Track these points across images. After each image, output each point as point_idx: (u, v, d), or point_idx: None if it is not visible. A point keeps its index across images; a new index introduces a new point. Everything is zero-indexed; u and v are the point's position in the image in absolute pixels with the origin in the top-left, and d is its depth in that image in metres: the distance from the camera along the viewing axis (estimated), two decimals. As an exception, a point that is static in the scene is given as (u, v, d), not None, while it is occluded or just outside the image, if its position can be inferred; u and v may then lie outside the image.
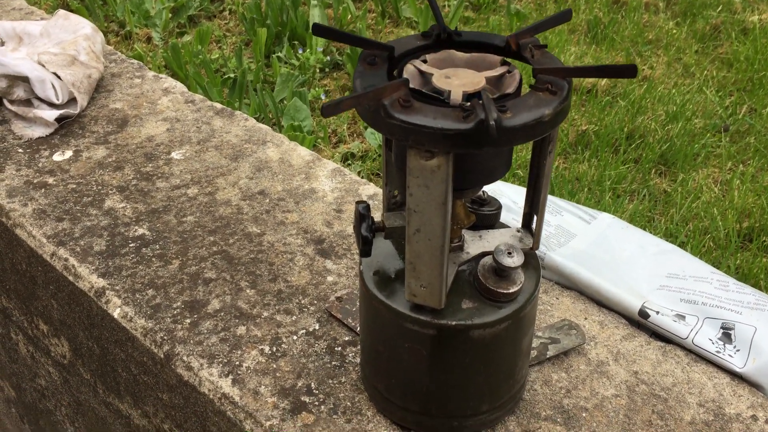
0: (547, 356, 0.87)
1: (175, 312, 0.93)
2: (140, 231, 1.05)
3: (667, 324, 0.90)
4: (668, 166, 1.57)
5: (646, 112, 1.69)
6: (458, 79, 0.66)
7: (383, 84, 0.62)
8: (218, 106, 1.31)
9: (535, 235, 0.76)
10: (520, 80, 0.66)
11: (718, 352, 0.87)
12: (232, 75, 1.67)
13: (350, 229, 1.06)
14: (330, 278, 0.98)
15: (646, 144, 1.59)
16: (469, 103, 0.62)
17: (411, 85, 0.65)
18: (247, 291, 0.96)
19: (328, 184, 1.14)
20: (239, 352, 0.88)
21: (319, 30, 0.68)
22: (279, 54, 1.93)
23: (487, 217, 0.78)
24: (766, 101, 1.75)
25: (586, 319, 0.93)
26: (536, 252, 0.83)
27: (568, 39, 2.01)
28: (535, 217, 0.75)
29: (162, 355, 0.90)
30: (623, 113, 1.70)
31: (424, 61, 0.69)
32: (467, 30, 0.68)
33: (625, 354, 0.89)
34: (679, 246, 1.39)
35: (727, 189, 1.52)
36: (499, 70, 0.68)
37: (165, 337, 0.90)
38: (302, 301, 0.95)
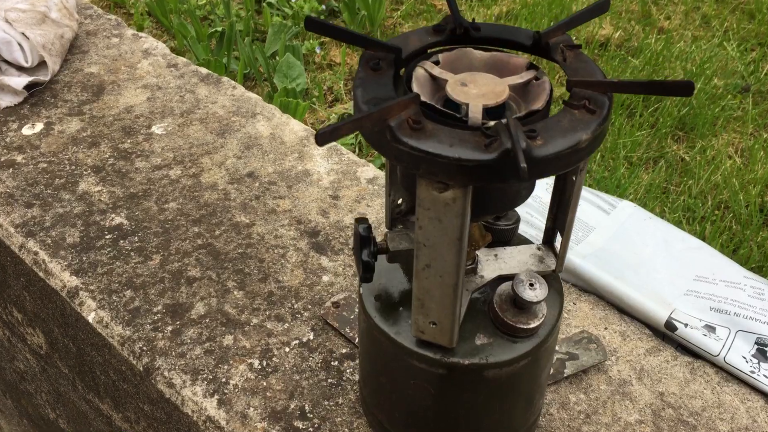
0: (565, 375, 0.79)
1: (156, 317, 0.85)
2: (117, 220, 0.96)
3: (697, 339, 0.81)
4: (686, 131, 1.47)
5: (663, 71, 1.58)
6: (477, 87, 0.56)
7: (389, 101, 0.52)
8: (203, 71, 1.20)
9: (560, 258, 0.66)
10: (550, 91, 0.56)
11: (752, 372, 0.79)
12: (219, 27, 1.55)
13: (347, 220, 0.96)
14: (325, 278, 0.89)
15: (663, 107, 1.49)
16: (491, 123, 0.52)
17: (422, 97, 0.55)
18: (235, 293, 0.88)
19: (323, 165, 1.04)
20: (226, 366, 0.80)
21: (312, 24, 0.57)
22: (270, 1, 1.80)
23: (504, 233, 0.69)
24: (791, 59, 1.64)
25: (606, 329, 0.85)
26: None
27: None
28: (559, 237, 0.66)
29: (141, 368, 0.81)
30: (639, 71, 1.59)
31: (437, 63, 0.59)
32: (486, 23, 0.57)
33: (649, 371, 0.81)
34: (698, 222, 1.30)
35: (749, 157, 1.43)
36: (525, 76, 0.57)
37: (144, 348, 0.82)
38: (295, 306, 0.86)
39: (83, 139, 1.08)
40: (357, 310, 0.85)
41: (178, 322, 0.84)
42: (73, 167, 1.03)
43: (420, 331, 0.62)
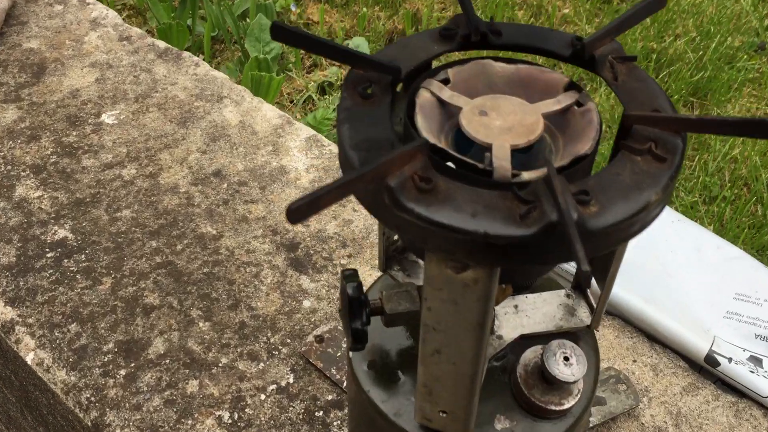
0: (591, 425, 0.67)
1: (106, 358, 0.72)
2: (61, 233, 0.82)
3: (742, 376, 0.70)
4: (700, 97, 1.33)
5: (674, 28, 1.43)
6: (500, 116, 0.42)
7: (386, 152, 0.38)
8: (161, 45, 1.04)
9: (597, 313, 0.54)
10: (600, 125, 0.42)
11: (808, 417, 0.68)
12: (182, -15, 1.38)
13: (331, 228, 0.83)
14: (307, 303, 0.76)
15: (676, 72, 1.35)
16: (525, 177, 0.38)
17: (430, 135, 0.41)
18: (200, 324, 0.75)
19: (302, 160, 0.90)
20: (190, 421, 0.68)
21: (278, 33, 0.43)
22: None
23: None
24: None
25: (635, 362, 0.73)
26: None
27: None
28: (600, 291, 0.53)
29: (89, 423, 0.69)
30: (647, 29, 1.44)
31: (446, 81, 0.45)
32: (509, 23, 0.41)
33: (687, 415, 0.69)
34: (716, 203, 1.18)
35: (769, 127, 1.30)
36: (564, 100, 0.44)
37: (93, 398, 0.69)
38: (272, 340, 0.73)
39: (21, 132, 0.93)
40: (345, 345, 0.72)
41: (132, 364, 0.71)
42: (9, 167, 0.89)
43: (426, 419, 0.49)
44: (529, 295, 0.56)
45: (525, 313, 0.55)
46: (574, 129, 0.43)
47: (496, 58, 0.46)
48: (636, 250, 0.80)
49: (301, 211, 0.35)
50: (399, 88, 0.47)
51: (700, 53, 1.41)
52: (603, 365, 0.72)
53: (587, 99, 0.44)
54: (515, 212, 0.37)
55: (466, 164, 0.40)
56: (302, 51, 1.46)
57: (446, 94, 0.44)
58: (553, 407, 0.50)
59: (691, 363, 0.73)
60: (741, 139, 1.30)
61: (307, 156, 0.91)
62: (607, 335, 0.75)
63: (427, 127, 0.42)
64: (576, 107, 0.44)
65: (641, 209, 0.38)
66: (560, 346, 0.49)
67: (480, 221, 0.37)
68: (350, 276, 0.50)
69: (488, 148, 0.41)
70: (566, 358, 0.49)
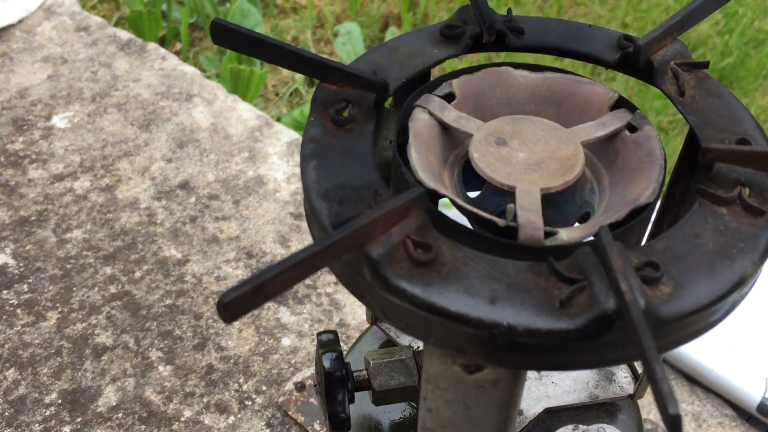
0: (623, 492, 0.56)
1: (48, 412, 0.61)
2: (1, 258, 0.70)
3: (803, 430, 0.59)
4: (726, 85, 1.22)
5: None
6: (524, 146, 0.31)
7: (367, 215, 0.26)
8: (123, 35, 0.92)
9: (642, 380, 0.42)
10: (664, 157, 0.31)
11: None
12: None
13: (315, 250, 0.71)
14: (286, 341, 0.65)
15: (701, 58, 1.23)
16: (563, 238, 0.27)
17: (427, 178, 0.29)
18: (161, 369, 0.63)
19: (282, 169, 0.78)
20: (146, 490, 0.57)
21: (219, 35, 0.31)
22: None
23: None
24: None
25: (673, 410, 0.62)
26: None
27: None
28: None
29: (27, 493, 0.58)
30: (667, 12, 1.32)
31: (450, 98, 0.33)
32: (532, 17, 0.29)
33: (737, 477, 0.58)
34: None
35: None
36: (611, 124, 0.32)
37: (31, 463, 0.58)
38: (244, 387, 0.62)
39: (-40, 138, 0.81)
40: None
41: (79, 419, 0.60)
42: (-55, 180, 0.77)
43: None
44: (555, 356, 0.45)
45: (551, 380, 0.44)
46: (626, 164, 0.32)
47: (517, 65, 0.35)
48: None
49: (239, 303, 0.24)
50: (388, 103, 0.36)
51: (726, 37, 1.29)
52: (635, 416, 0.61)
53: (643, 122, 0.32)
54: (553, 296, 0.25)
55: (481, 219, 0.28)
56: (288, 37, 1.34)
57: (450, 115, 0.32)
58: None
59: (739, 411, 0.62)
60: (769, 131, 1.18)
61: (288, 164, 0.79)
62: (638, 377, 0.64)
63: (424, 164, 0.30)
64: (628, 132, 0.32)
65: (733, 287, 0.26)
66: (598, 430, 0.38)
67: (502, 309, 0.25)
68: (328, 343, 0.39)
69: (510, 193, 0.29)
70: (607, 451, 0.38)
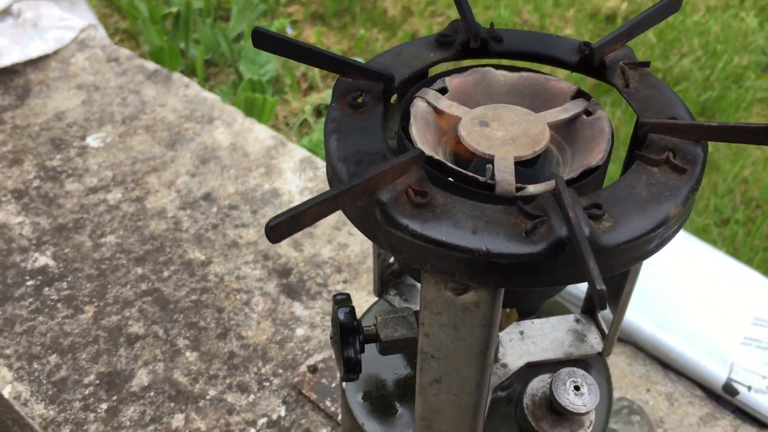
0: (602, 459, 0.63)
1: (87, 391, 0.68)
2: (42, 260, 0.78)
3: (763, 405, 0.66)
4: (708, 117, 1.30)
5: (680, 47, 1.40)
6: (503, 127, 0.39)
7: (378, 164, 0.34)
8: (150, 66, 1.01)
9: (609, 339, 0.50)
10: (612, 135, 0.39)
11: (834, 449, 0.63)
12: (175, 8, 1.35)
13: (326, 253, 0.79)
14: (300, 331, 0.72)
15: (683, 91, 1.32)
16: (531, 190, 0.35)
17: (425, 147, 0.37)
18: (187, 354, 0.71)
19: (295, 182, 0.87)
20: (175, 457, 0.63)
21: (260, 40, 0.39)
22: (234, -26, 1.60)
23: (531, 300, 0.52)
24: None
25: (648, 391, 0.69)
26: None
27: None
28: (611, 316, 0.49)
29: (69, 461, 0.65)
30: (652, 48, 1.42)
31: (443, 91, 0.41)
32: (511, 29, 0.37)
33: (704, 448, 0.65)
34: (729, 226, 1.14)
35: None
36: (572, 109, 0.40)
37: (72, 434, 0.65)
38: (262, 370, 0.69)
39: (3, 156, 0.89)
40: (339, 375, 0.68)
41: (114, 398, 0.67)
42: (-9, 192, 0.85)
43: (426, 457, 0.45)
44: (536, 321, 0.52)
45: (531, 340, 0.51)
46: (583, 139, 0.39)
47: (498, 66, 0.43)
48: (647, 272, 0.76)
49: (280, 227, 0.32)
50: (393, 99, 0.44)
51: (707, 72, 1.38)
52: (615, 395, 0.68)
53: (597, 107, 0.40)
54: (520, 228, 0.33)
55: (466, 177, 0.36)
56: (298, 73, 1.43)
57: (443, 103, 0.41)
58: (563, 442, 0.46)
59: (708, 392, 0.69)
60: (752, 159, 1.26)
61: (300, 178, 0.87)
62: (618, 363, 0.71)
63: (422, 138, 0.38)
64: (585, 116, 0.40)
65: (660, 224, 0.34)
66: (570, 374, 0.46)
67: (481, 238, 0.33)
68: (342, 301, 0.47)
69: (490, 160, 0.37)
70: (577, 388, 0.45)
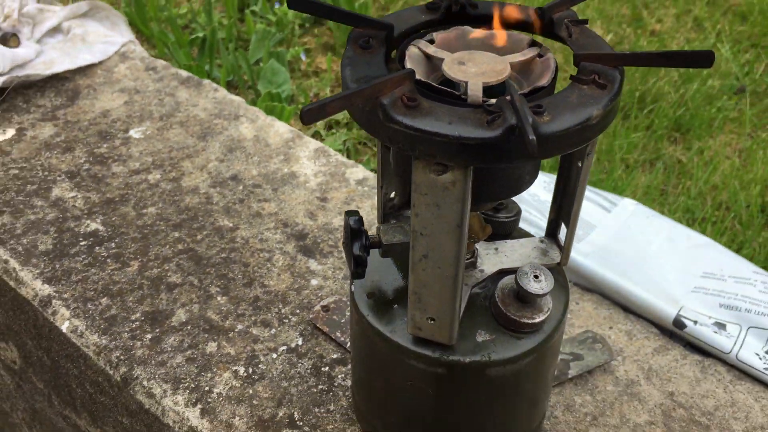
0: (569, 376, 0.75)
1: (134, 325, 0.80)
2: (93, 226, 0.91)
3: (707, 336, 0.78)
4: (683, 132, 1.44)
5: (658, 72, 1.55)
6: (475, 65, 0.52)
7: (381, 78, 0.47)
8: (183, 74, 1.16)
9: (564, 250, 0.62)
10: (556, 68, 0.52)
11: (766, 369, 0.75)
12: (201, 33, 1.50)
13: (336, 222, 0.92)
14: (314, 282, 0.85)
15: (659, 109, 1.46)
16: (493, 101, 0.48)
17: (417, 76, 0.51)
18: (218, 298, 0.83)
19: (310, 167, 1.00)
20: (209, 374, 0.75)
21: (296, 1, 0.53)
22: (254, 8, 1.76)
23: (504, 225, 0.65)
24: (785, 58, 1.62)
25: (611, 328, 0.81)
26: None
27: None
28: (564, 228, 0.62)
29: (119, 378, 0.76)
30: (632, 73, 1.56)
31: (431, 42, 0.55)
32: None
33: (658, 371, 0.77)
34: (698, 224, 1.27)
35: (747, 158, 1.40)
36: (528, 53, 0.54)
37: (122, 357, 0.77)
38: (282, 311, 0.82)
39: (57, 145, 1.03)
40: (348, 314, 0.80)
41: (157, 330, 0.79)
42: (46, 173, 0.99)
43: (417, 328, 0.57)
44: (508, 241, 0.65)
45: (504, 254, 0.64)
46: (536, 73, 0.53)
47: (473, 26, 0.56)
48: (614, 239, 0.89)
49: (312, 112, 0.45)
50: (393, 54, 0.57)
51: (682, 91, 1.52)
52: (581, 329, 0.80)
53: (547, 51, 0.53)
54: (483, 120, 0.46)
55: (446, 92, 0.49)
56: (311, 93, 1.58)
57: (431, 49, 0.54)
58: (526, 320, 0.58)
59: (662, 331, 0.81)
60: (721, 168, 1.39)
61: (315, 164, 1.00)
62: (586, 307, 0.83)
63: (414, 69, 0.52)
64: (538, 58, 0.53)
65: (585, 120, 0.47)
66: (531, 267, 0.58)
67: (455, 127, 0.46)
68: (352, 212, 0.59)
69: (464, 84, 0.50)
70: (536, 276, 0.57)
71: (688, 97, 1.52)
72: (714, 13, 1.77)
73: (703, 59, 0.46)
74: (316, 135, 1.48)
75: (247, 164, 1.00)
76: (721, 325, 0.79)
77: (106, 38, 1.20)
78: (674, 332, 0.80)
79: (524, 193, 0.92)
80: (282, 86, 1.47)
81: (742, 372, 0.77)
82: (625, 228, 0.90)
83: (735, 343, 0.76)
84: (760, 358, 0.75)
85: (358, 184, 0.97)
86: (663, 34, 1.72)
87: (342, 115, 1.53)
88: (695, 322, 0.78)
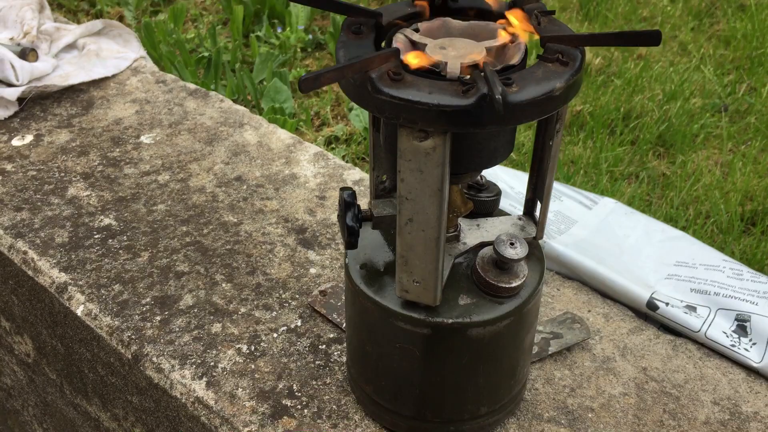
0: (549, 352, 0.80)
1: (144, 309, 0.86)
2: (106, 221, 0.97)
3: (678, 316, 0.83)
4: (666, 147, 1.50)
5: (642, 92, 1.62)
6: (455, 49, 0.59)
7: (370, 54, 0.54)
8: (191, 86, 1.23)
9: (539, 224, 0.68)
10: (526, 51, 0.59)
11: (732, 345, 0.80)
12: (206, 53, 1.58)
13: (334, 218, 0.98)
14: (313, 270, 0.91)
15: (643, 125, 1.53)
16: (468, 76, 0.54)
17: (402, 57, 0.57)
18: (223, 285, 0.89)
19: (310, 169, 1.06)
20: (214, 351, 0.81)
21: (296, -7, 0.60)
22: (258, 33, 1.84)
23: (486, 204, 0.71)
24: (765, 79, 1.69)
25: (589, 311, 0.86)
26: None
27: (560, 17, 1.94)
28: (539, 204, 0.68)
29: (130, 356, 0.82)
30: (619, 92, 1.63)
31: (416, 30, 0.62)
32: None
33: (632, 349, 0.82)
34: (680, 230, 1.33)
35: (728, 171, 1.46)
36: (502, 40, 0.60)
37: (133, 337, 0.83)
38: (283, 296, 0.87)
39: (72, 149, 1.10)
40: (344, 298, 0.86)
41: (166, 313, 0.85)
42: (62, 174, 1.05)
43: (404, 291, 0.63)
44: (489, 218, 0.71)
45: (485, 229, 0.70)
46: (509, 56, 0.59)
47: (454, 17, 0.63)
48: (594, 233, 0.95)
49: (309, 81, 0.51)
50: (382, 45, 0.64)
51: (666, 108, 1.59)
52: (561, 312, 0.86)
53: (520, 40, 0.60)
54: (459, 91, 0.53)
55: (427, 69, 0.56)
56: (312, 112, 1.65)
57: (416, 37, 0.61)
58: (503, 285, 0.64)
59: (637, 314, 0.86)
60: (702, 180, 1.46)
61: (315, 166, 1.07)
62: (566, 293, 0.89)
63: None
64: (511, 44, 0.60)
65: (549, 91, 0.53)
66: (507, 235, 0.64)
67: (434, 96, 0.52)
68: (347, 188, 0.65)
69: (444, 64, 0.57)
70: (512, 244, 0.63)
71: (672, 114, 1.59)
72: (699, 39, 1.85)
73: (650, 38, 0.52)
74: (316, 150, 1.55)
75: (251, 167, 1.06)
76: (691, 308, 0.84)
77: (119, 54, 1.27)
78: (648, 314, 0.85)
79: (507, 189, 0.98)
80: (285, 103, 1.54)
81: (711, 350, 0.82)
82: (605, 224, 0.96)
83: (704, 323, 0.82)
84: (727, 336, 0.81)
85: (355, 185, 1.04)
86: (649, 58, 1.80)
87: (342, 132, 1.60)
88: (667, 304, 0.84)
